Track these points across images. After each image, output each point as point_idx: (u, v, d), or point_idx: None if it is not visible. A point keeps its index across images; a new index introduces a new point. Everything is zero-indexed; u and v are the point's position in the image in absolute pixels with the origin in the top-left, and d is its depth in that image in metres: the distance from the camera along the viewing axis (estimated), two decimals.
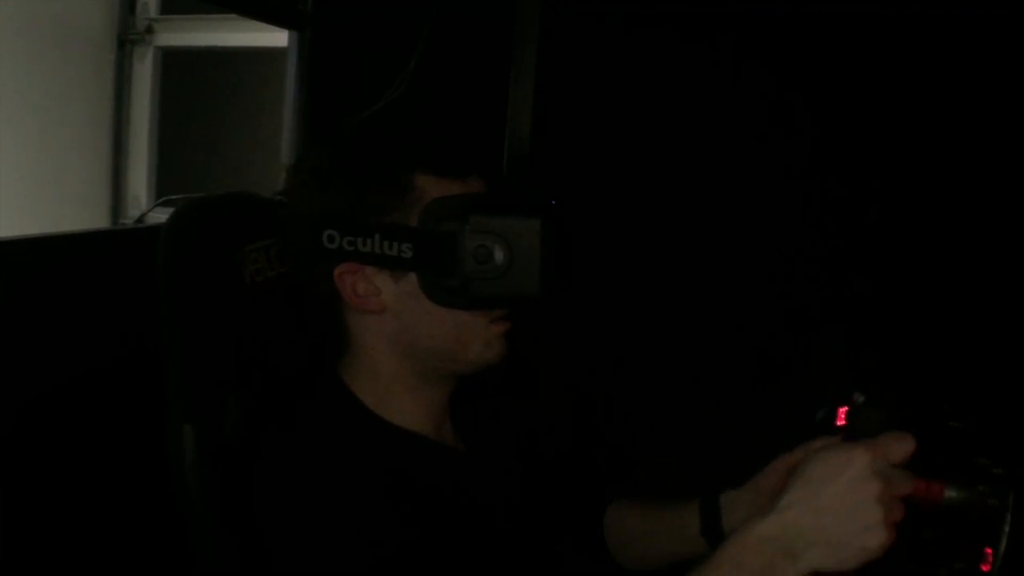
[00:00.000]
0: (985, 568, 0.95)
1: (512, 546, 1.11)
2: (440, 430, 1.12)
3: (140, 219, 2.54)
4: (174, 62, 2.78)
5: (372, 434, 1.04)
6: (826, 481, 0.83)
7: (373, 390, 1.07)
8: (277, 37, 2.22)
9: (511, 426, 1.25)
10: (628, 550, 1.24)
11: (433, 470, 1.06)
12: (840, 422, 1.13)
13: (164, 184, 2.80)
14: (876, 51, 1.64)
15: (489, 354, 1.06)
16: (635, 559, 1.24)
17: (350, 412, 1.05)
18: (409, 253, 0.99)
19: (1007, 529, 0.93)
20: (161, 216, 2.39)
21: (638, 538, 1.23)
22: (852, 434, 1.01)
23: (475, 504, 1.07)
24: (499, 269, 1.01)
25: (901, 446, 0.86)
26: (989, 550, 1.03)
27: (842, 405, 1.08)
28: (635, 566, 1.24)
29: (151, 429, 1.02)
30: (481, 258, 1.00)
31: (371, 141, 1.05)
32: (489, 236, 1.01)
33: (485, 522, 1.07)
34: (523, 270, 1.01)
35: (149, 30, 2.75)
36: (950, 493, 0.98)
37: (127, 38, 2.75)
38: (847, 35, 1.64)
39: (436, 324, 1.03)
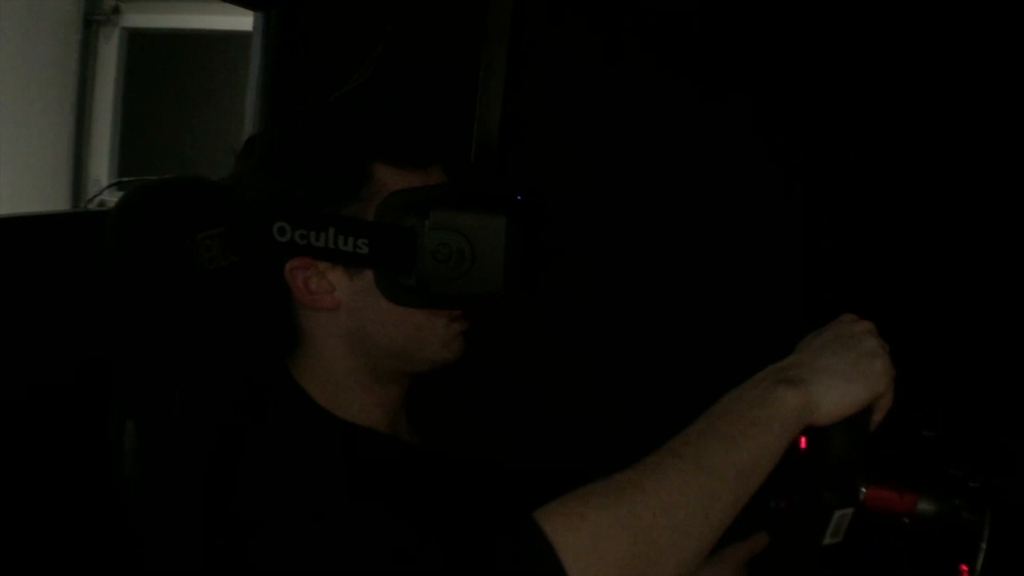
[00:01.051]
0: None
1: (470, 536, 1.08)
2: (395, 425, 1.07)
3: (92, 200, 2.48)
4: (140, 44, 2.72)
5: (323, 431, 0.99)
6: (821, 332, 0.87)
7: (324, 387, 1.01)
8: (245, 20, 2.17)
9: (467, 416, 1.21)
10: None
11: (387, 464, 1.02)
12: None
13: (126, 167, 2.74)
14: (869, 50, 1.60)
15: (447, 353, 1.01)
16: None
17: (300, 409, 1.00)
18: (365, 249, 0.94)
19: (984, 547, 0.90)
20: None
21: None
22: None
23: (432, 497, 1.02)
24: (460, 268, 0.96)
25: None
26: (964, 567, 1.00)
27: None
28: None
29: (96, 424, 0.97)
30: (441, 256, 0.95)
31: (327, 126, 0.99)
32: (450, 233, 0.95)
33: (442, 514, 1.03)
34: (485, 269, 0.96)
35: (116, 11, 2.69)
36: (923, 506, 0.95)
37: (93, 19, 2.68)
38: (832, 28, 1.61)
39: (392, 324, 0.98)
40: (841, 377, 0.83)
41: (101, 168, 2.71)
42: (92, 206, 2.61)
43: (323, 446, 0.97)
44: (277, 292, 0.98)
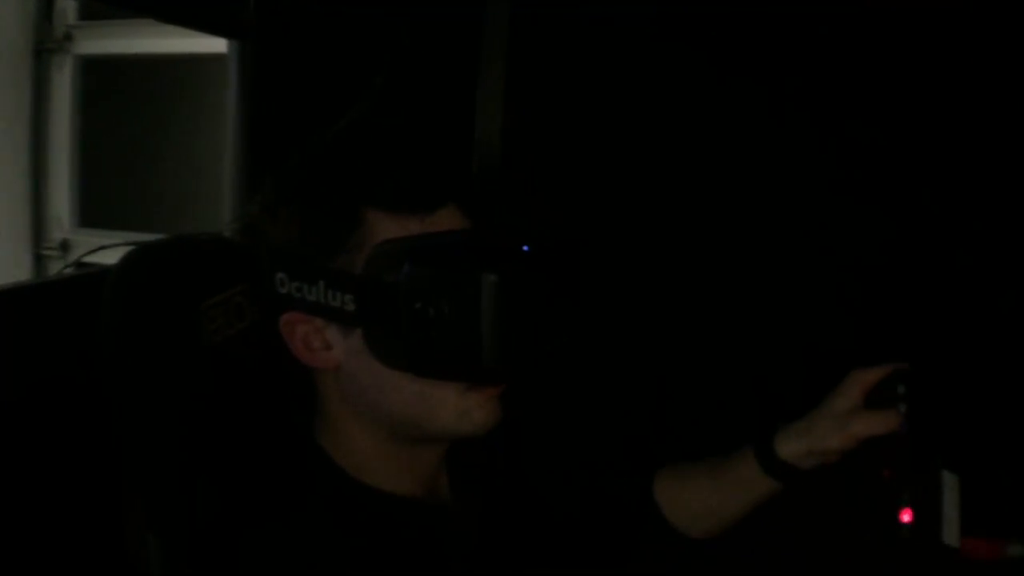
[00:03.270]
0: None
1: None
2: (433, 488, 0.98)
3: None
4: (96, 72, 2.58)
5: (357, 508, 0.89)
6: None
7: (350, 455, 0.92)
8: (211, 43, 2.06)
9: (507, 475, 1.10)
10: (698, 522, 1.16)
11: (423, 537, 0.92)
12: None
13: (89, 203, 2.60)
14: (874, 51, 1.54)
15: (466, 426, 0.89)
16: (709, 526, 1.16)
17: (332, 485, 0.90)
18: (352, 306, 0.83)
19: None
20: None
21: (706, 508, 1.15)
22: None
23: (468, 565, 0.95)
24: (444, 334, 0.82)
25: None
26: None
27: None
28: (710, 532, 1.16)
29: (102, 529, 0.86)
30: (422, 319, 0.82)
31: (318, 168, 0.89)
32: (429, 292, 0.82)
33: None
34: (468, 335, 0.82)
35: (68, 37, 2.54)
36: (1014, 550, 0.95)
37: (44, 47, 2.53)
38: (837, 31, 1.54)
39: (391, 389, 0.87)
40: None
41: (62, 205, 2.56)
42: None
43: (346, 521, 0.88)
44: (287, 352, 0.89)
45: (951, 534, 0.94)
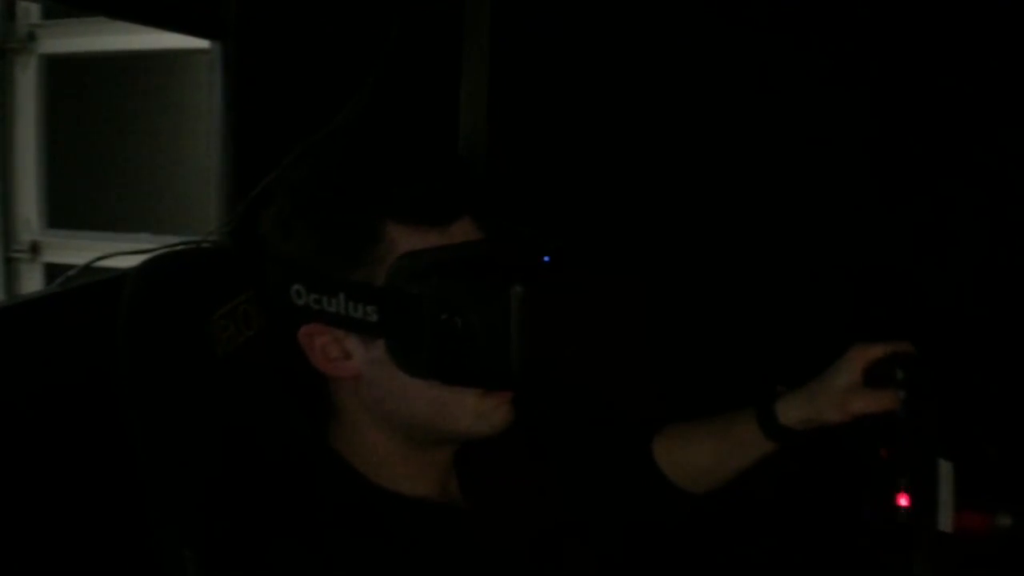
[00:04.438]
0: None
1: None
2: (445, 489, 1.01)
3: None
4: (61, 71, 2.53)
5: (374, 509, 0.92)
6: None
7: (366, 458, 0.95)
8: (178, 40, 2.03)
9: (520, 470, 1.13)
10: (696, 480, 1.21)
11: (439, 536, 0.95)
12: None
13: (58, 204, 2.56)
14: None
15: (484, 427, 0.93)
16: (706, 484, 1.21)
17: (350, 488, 0.93)
18: (375, 317, 0.85)
19: None
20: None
21: (705, 467, 1.20)
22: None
23: (484, 565, 0.97)
24: (468, 343, 0.86)
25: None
26: None
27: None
28: (707, 490, 1.21)
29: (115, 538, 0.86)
30: (446, 329, 0.85)
31: (334, 181, 0.90)
32: (454, 303, 0.85)
33: None
34: (495, 347, 0.86)
35: (31, 37, 2.50)
36: (1002, 521, 0.98)
37: (7, 47, 2.49)
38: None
39: (413, 396, 0.90)
40: None
41: (30, 207, 2.52)
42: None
43: (364, 523, 0.90)
44: (303, 360, 0.91)
45: (945, 520, 0.97)
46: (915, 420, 1.02)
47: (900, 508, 0.99)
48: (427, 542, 0.92)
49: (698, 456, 1.19)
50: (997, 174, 1.53)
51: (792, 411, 1.10)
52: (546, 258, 0.92)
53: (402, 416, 0.92)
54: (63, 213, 2.56)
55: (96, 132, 2.54)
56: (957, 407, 1.10)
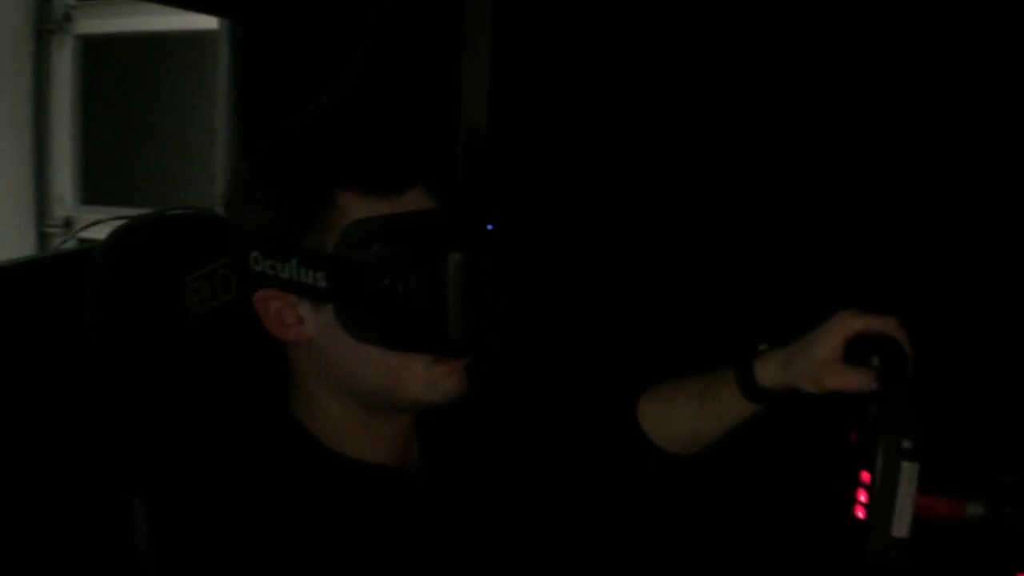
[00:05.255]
0: None
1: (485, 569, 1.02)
2: (404, 457, 1.02)
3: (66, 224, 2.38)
4: (96, 51, 2.60)
5: (330, 476, 0.94)
6: None
7: (323, 425, 0.97)
8: (205, 20, 2.08)
9: (482, 439, 1.13)
10: (680, 441, 1.21)
11: (395, 503, 0.96)
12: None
13: (91, 181, 2.63)
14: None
15: (433, 395, 0.94)
16: (689, 446, 1.21)
17: (307, 454, 0.95)
18: (324, 283, 0.87)
19: None
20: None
21: (688, 428, 1.20)
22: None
23: (441, 533, 0.99)
24: (411, 307, 0.87)
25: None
26: (1021, 574, 1.00)
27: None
28: (690, 451, 1.21)
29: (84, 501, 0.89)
30: (390, 295, 0.87)
31: (293, 150, 0.92)
32: (398, 269, 0.87)
33: (454, 550, 0.99)
34: (437, 312, 0.87)
35: (67, 18, 2.57)
36: (972, 510, 0.94)
37: (43, 28, 2.56)
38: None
39: (361, 362, 0.91)
40: None
41: (64, 183, 2.60)
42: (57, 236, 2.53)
43: (320, 489, 0.92)
44: (263, 326, 0.93)
45: (901, 526, 0.95)
46: (883, 414, 1.00)
47: (857, 520, 0.98)
48: (382, 508, 0.94)
49: (679, 417, 1.19)
50: (997, 174, 1.51)
51: (769, 373, 1.10)
52: (490, 226, 0.94)
53: (354, 382, 0.93)
54: (96, 189, 2.63)
55: (129, 110, 2.60)
56: (938, 392, 1.08)
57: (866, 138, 1.59)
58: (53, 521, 1.08)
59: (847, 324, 1.04)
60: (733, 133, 1.65)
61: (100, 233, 1.00)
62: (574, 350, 1.58)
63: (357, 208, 0.88)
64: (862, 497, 0.99)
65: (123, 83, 2.61)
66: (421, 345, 0.91)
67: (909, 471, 0.95)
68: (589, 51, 1.68)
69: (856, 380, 1.02)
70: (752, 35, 1.62)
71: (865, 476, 1.00)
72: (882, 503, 0.96)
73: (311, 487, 0.91)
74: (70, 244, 2.42)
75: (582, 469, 1.24)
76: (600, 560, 1.21)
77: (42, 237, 2.60)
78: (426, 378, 0.92)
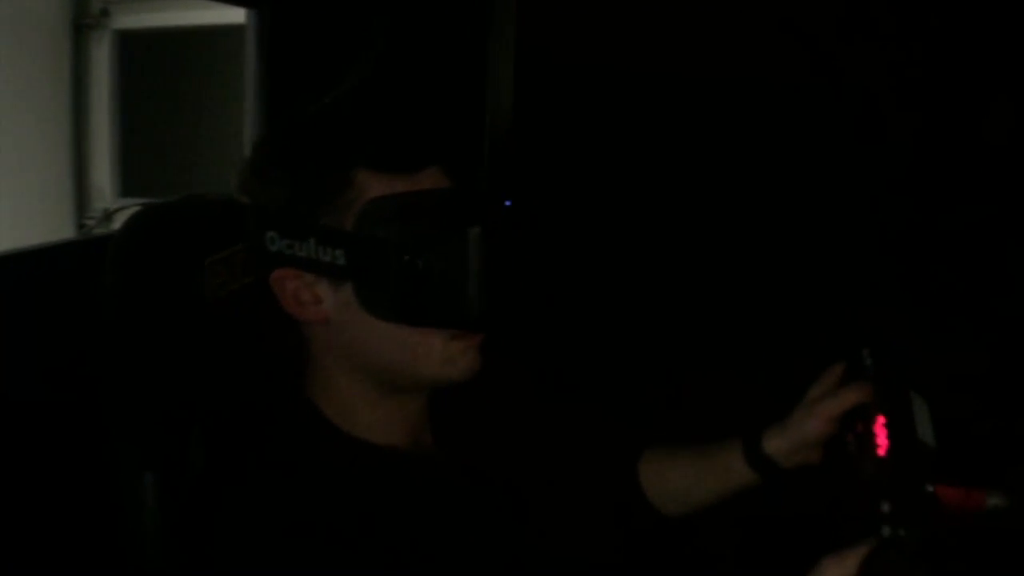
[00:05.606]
0: None
1: (498, 549, 1.02)
2: (417, 439, 1.02)
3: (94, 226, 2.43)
4: (133, 45, 2.65)
5: (343, 458, 0.94)
6: None
7: (337, 406, 0.97)
8: (240, 14, 2.11)
9: (495, 422, 1.14)
10: (673, 500, 1.20)
11: (409, 486, 0.96)
12: None
13: (130, 173, 2.68)
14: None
15: (452, 372, 0.94)
16: (681, 506, 1.20)
17: (319, 436, 0.96)
18: (343, 260, 0.88)
19: None
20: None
21: (683, 486, 1.18)
22: None
23: (455, 513, 0.98)
24: (431, 286, 0.88)
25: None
26: None
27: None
28: (681, 513, 1.20)
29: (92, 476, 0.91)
30: (410, 272, 0.88)
31: (310, 131, 0.94)
32: (417, 246, 0.88)
33: (467, 531, 0.98)
34: (456, 288, 0.89)
35: (104, 13, 2.62)
36: (993, 501, 0.92)
37: (82, 23, 2.61)
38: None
39: (379, 339, 0.92)
40: None
41: (103, 176, 2.64)
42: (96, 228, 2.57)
43: (332, 471, 0.92)
44: (281, 307, 0.93)
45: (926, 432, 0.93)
46: (885, 394, 0.99)
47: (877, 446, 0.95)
48: (394, 489, 0.94)
49: (678, 477, 1.18)
50: (997, 174, 1.50)
51: (775, 439, 1.09)
52: (507, 203, 0.94)
53: (370, 360, 0.94)
54: (135, 181, 2.67)
55: (167, 103, 2.65)
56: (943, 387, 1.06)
57: (866, 139, 1.58)
58: (76, 489, 1.10)
59: (838, 368, 1.07)
60: (739, 131, 1.64)
61: None
62: (585, 333, 1.58)
63: (374, 186, 0.89)
64: (880, 437, 0.96)
65: (160, 76, 2.66)
66: (440, 321, 0.91)
67: (919, 402, 0.95)
68: (615, 36, 1.68)
69: (855, 392, 1.01)
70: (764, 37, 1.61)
71: (880, 419, 0.97)
72: (903, 425, 0.93)
73: (323, 468, 0.92)
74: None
75: (575, 508, 1.22)
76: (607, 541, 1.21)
77: (82, 228, 2.65)
78: (444, 354, 0.93)
